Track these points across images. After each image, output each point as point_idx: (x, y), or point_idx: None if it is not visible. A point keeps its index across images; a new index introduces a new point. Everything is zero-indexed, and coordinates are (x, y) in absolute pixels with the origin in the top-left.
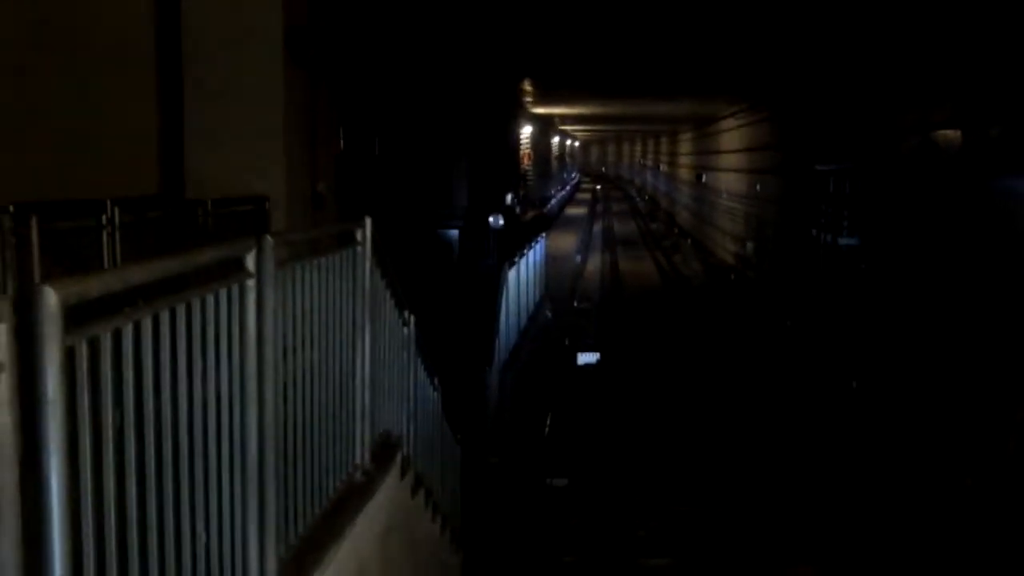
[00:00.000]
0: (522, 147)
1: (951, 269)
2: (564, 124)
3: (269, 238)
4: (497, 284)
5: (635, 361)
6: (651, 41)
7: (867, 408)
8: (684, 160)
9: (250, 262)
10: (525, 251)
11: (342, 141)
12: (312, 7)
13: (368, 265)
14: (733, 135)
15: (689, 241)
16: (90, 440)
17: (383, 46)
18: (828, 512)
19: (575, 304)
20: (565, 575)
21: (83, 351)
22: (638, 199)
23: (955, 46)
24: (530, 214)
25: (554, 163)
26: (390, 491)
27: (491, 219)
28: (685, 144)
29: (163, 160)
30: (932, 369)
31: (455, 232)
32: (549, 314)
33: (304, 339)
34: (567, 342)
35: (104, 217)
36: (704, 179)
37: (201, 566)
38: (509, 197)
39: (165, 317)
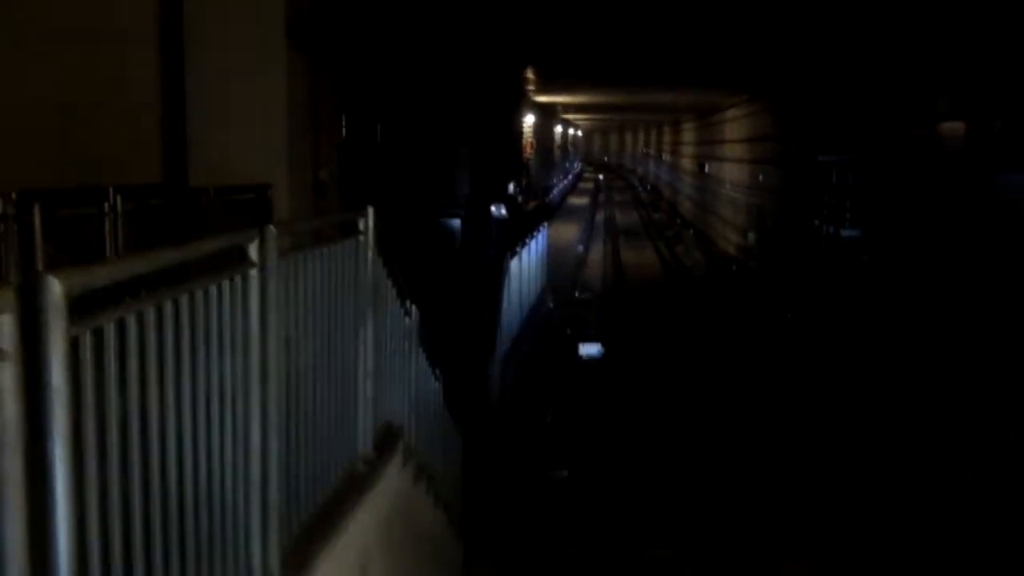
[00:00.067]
0: (524, 136)
1: (954, 261)
2: (567, 113)
3: (272, 228)
4: (499, 274)
5: (637, 351)
6: (654, 30)
7: (868, 400)
8: (687, 150)
9: (253, 252)
10: (527, 241)
11: (344, 129)
12: None
13: (371, 255)
14: (735, 125)
15: (691, 231)
16: (94, 429)
17: (386, 33)
18: (829, 504)
19: (577, 295)
20: (566, 566)
21: (87, 341)
22: (640, 189)
23: (958, 37)
24: (532, 204)
25: (556, 152)
26: (392, 481)
27: (493, 208)
28: (688, 133)
29: (165, 147)
30: (934, 362)
31: (457, 221)
32: (551, 304)
33: (307, 329)
34: (569, 332)
35: (106, 205)
36: (707, 169)
37: (204, 555)
38: (511, 186)
39: (168, 307)
